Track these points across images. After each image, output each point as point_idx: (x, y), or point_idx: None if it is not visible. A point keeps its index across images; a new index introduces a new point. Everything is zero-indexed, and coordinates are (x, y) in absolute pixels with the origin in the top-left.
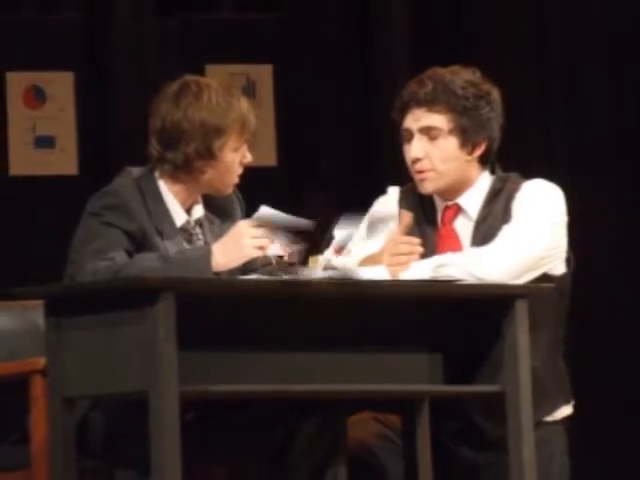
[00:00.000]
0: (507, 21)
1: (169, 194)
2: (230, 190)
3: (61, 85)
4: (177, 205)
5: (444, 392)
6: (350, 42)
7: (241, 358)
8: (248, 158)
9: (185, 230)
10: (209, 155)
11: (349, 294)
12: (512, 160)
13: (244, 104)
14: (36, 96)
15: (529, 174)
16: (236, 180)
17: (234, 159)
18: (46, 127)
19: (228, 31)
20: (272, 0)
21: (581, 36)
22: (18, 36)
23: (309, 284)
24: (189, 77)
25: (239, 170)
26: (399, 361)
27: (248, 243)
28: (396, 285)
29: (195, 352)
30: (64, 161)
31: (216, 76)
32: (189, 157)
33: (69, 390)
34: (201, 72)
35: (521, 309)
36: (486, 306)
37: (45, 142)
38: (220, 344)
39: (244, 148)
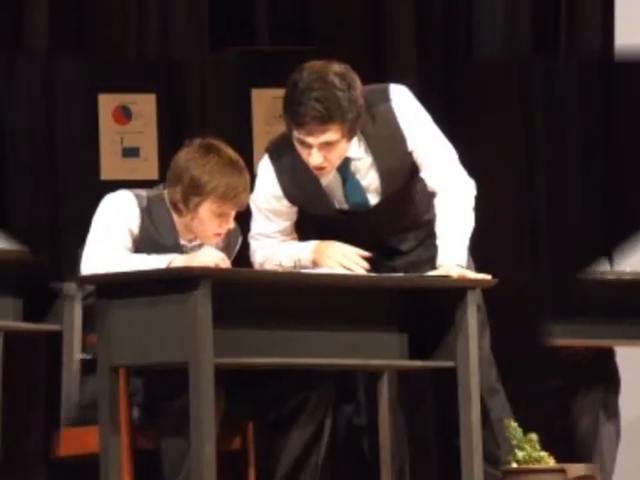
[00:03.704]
0: None
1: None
2: (207, 241)
3: (145, 105)
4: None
5: (409, 366)
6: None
7: (261, 335)
8: (229, 225)
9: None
10: (186, 205)
11: (338, 285)
12: None
13: (239, 180)
14: (124, 114)
15: None
16: (210, 237)
17: (211, 219)
18: (132, 140)
19: (269, 61)
20: (305, 36)
21: None
22: (109, 65)
23: (310, 276)
24: (213, 140)
25: (215, 230)
26: (374, 340)
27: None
28: (375, 278)
29: (227, 330)
30: (147, 168)
31: (261, 99)
32: (176, 199)
33: (116, 360)
34: (249, 95)
35: (471, 299)
36: (444, 295)
37: (131, 152)
38: (247, 323)
39: (228, 215)
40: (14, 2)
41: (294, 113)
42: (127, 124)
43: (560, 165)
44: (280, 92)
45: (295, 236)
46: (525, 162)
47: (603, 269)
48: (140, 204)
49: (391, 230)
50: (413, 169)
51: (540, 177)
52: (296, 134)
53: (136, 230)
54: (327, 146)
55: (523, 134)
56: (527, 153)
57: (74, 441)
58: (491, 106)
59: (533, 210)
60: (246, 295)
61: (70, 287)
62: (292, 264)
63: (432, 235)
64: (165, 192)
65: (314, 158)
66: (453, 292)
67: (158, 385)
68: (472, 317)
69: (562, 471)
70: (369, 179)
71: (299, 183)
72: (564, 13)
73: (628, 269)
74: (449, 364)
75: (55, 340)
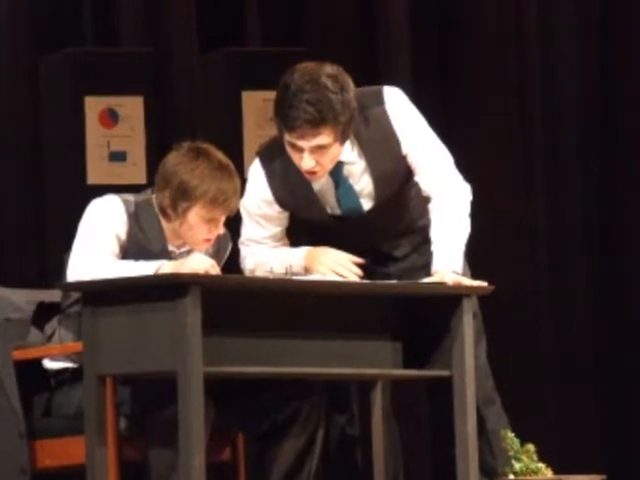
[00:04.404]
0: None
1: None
2: (197, 247)
3: (132, 108)
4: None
5: (403, 375)
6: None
7: (251, 343)
8: (219, 231)
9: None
10: (175, 210)
11: (330, 292)
12: None
13: (229, 184)
14: (111, 117)
15: None
16: (199, 243)
17: (200, 224)
18: (119, 143)
19: (260, 62)
20: (297, 36)
21: None
22: (96, 66)
23: (302, 283)
24: (202, 143)
25: (204, 235)
26: (367, 348)
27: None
28: (368, 285)
29: (216, 338)
30: (135, 172)
31: (252, 101)
32: (164, 204)
33: (102, 368)
34: (239, 97)
35: (467, 306)
36: (439, 303)
37: (118, 156)
38: (237, 331)
39: (218, 220)
40: None
41: (285, 116)
42: (114, 127)
43: (559, 166)
44: (271, 94)
45: (286, 242)
46: (522, 163)
47: None
48: (127, 209)
49: (385, 236)
50: (407, 173)
51: (538, 178)
52: (287, 137)
53: (123, 236)
54: (319, 150)
55: (519, 134)
56: (524, 154)
57: (59, 452)
58: (487, 101)
59: (530, 214)
60: (236, 302)
61: None
62: (283, 271)
63: (427, 241)
64: (153, 197)
65: (306, 162)
66: (448, 299)
67: (146, 395)
68: (468, 325)
69: None
70: (362, 183)
71: (290, 188)
72: None
73: None
74: (444, 373)
75: None
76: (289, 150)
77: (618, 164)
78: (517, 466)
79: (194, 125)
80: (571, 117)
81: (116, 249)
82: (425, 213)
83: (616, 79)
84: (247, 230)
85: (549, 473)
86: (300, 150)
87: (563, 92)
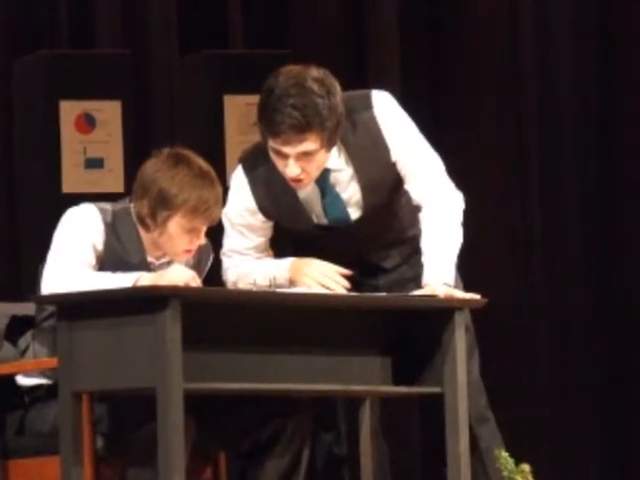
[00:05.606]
0: None
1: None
2: (177, 258)
3: (109, 112)
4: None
5: (393, 392)
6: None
7: (233, 359)
8: (200, 241)
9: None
10: (154, 220)
11: (316, 305)
12: None
13: (211, 192)
14: (87, 122)
15: None
16: (180, 254)
17: (180, 234)
18: (96, 150)
19: (243, 65)
20: (281, 38)
21: None
22: (72, 69)
23: (287, 296)
24: (182, 150)
25: (185, 246)
26: (355, 364)
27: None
28: (356, 298)
29: (197, 353)
30: (112, 180)
31: (234, 105)
32: (143, 213)
33: (78, 384)
34: (221, 101)
35: (459, 320)
36: (430, 316)
37: (95, 163)
38: (219, 346)
39: (199, 230)
40: None
41: (269, 121)
42: (90, 133)
43: (555, 171)
44: (254, 98)
45: (270, 253)
46: (517, 168)
47: None
48: (104, 219)
49: (374, 246)
50: (397, 181)
51: (533, 184)
52: (272, 143)
53: (100, 247)
54: (305, 156)
55: (514, 138)
56: (519, 158)
57: (33, 472)
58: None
59: (526, 222)
60: (218, 316)
61: None
62: (267, 283)
63: (417, 252)
64: (131, 206)
65: (291, 169)
66: (440, 313)
67: (124, 412)
68: (460, 339)
69: None
70: (350, 192)
71: (275, 196)
72: None
73: None
74: (436, 390)
75: None
76: (273, 157)
77: (616, 168)
78: None
79: (174, 130)
80: (568, 120)
81: (92, 260)
82: (415, 222)
83: (614, 80)
84: (230, 240)
85: None
86: (285, 157)
87: (560, 94)
